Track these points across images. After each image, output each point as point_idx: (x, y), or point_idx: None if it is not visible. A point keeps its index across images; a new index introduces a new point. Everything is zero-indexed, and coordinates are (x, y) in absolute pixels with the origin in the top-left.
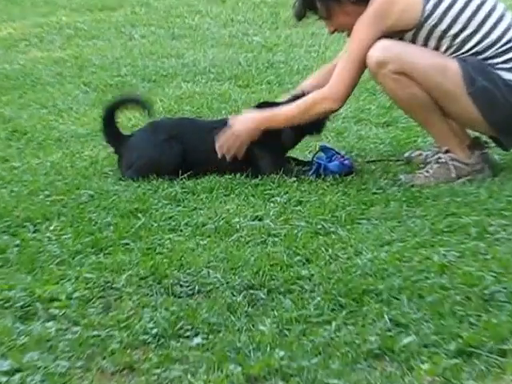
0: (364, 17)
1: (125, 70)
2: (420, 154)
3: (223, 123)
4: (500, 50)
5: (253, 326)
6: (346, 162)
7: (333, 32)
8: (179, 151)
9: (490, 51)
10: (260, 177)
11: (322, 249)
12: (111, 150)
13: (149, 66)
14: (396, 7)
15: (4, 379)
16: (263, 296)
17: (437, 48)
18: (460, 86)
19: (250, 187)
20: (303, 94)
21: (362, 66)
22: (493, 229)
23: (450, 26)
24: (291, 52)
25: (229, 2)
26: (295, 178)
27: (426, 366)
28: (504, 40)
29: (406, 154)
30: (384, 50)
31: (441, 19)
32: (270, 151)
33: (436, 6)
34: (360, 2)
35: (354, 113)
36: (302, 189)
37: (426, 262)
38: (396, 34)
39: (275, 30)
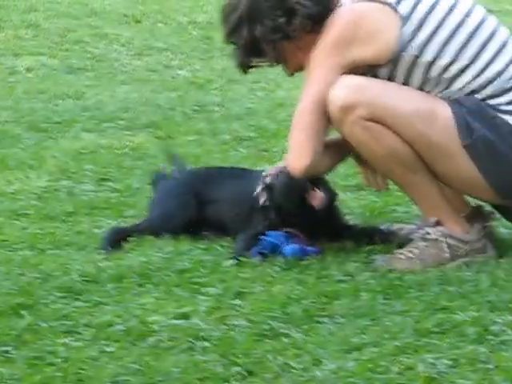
0: (320, 47)
1: (4, 115)
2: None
3: None
4: (504, 86)
5: None
6: (311, 248)
7: (292, 74)
8: None
9: (490, 89)
10: (187, 261)
11: (269, 357)
12: None
13: (37, 109)
14: (364, 30)
15: None
16: None
17: (421, 87)
18: (453, 137)
19: (172, 274)
20: None
21: (326, 115)
22: (497, 328)
23: (436, 57)
24: (229, 90)
25: (145, 22)
26: (233, 262)
27: None
28: (509, 74)
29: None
30: (350, 88)
31: (425, 47)
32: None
33: (419, 29)
34: (316, 29)
35: None
36: (243, 276)
37: (408, 374)
38: (364, 69)
39: (208, 61)
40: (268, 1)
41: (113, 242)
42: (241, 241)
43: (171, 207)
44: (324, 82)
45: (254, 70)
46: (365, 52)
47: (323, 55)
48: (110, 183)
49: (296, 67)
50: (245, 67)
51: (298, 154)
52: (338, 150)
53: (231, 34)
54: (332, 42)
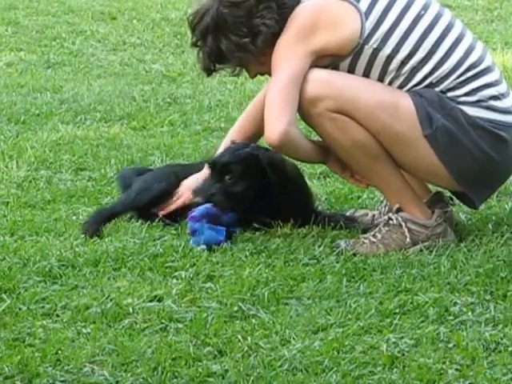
0: (285, 37)
1: None
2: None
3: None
4: (460, 79)
5: None
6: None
7: (254, 76)
8: None
9: (448, 81)
10: (160, 246)
11: (239, 337)
12: None
13: (16, 102)
14: (324, 20)
15: None
16: None
17: (381, 80)
18: (414, 127)
19: (146, 259)
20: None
21: (299, 89)
22: (456, 309)
23: (395, 50)
24: (200, 83)
25: (120, 19)
26: (205, 247)
27: None
28: (464, 66)
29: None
30: (318, 82)
31: (384, 41)
32: None
33: (378, 24)
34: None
35: None
36: (214, 260)
37: (372, 353)
38: (328, 61)
39: (180, 55)
40: (235, 16)
41: (96, 225)
42: None
43: (148, 180)
44: (293, 65)
45: (216, 73)
46: (329, 39)
47: (287, 46)
48: (87, 172)
49: (258, 73)
50: (209, 71)
51: (274, 119)
52: (323, 149)
53: (198, 41)
54: (295, 32)
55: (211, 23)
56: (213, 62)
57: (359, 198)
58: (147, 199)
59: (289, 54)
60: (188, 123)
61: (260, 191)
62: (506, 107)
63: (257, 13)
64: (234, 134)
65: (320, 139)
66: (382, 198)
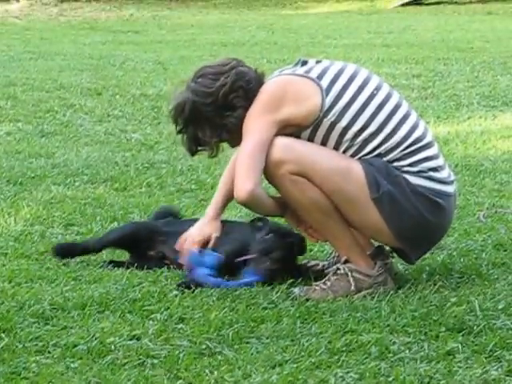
0: (255, 108)
1: None
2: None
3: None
4: (405, 151)
5: None
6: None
7: (236, 146)
8: None
9: (395, 153)
10: (138, 291)
11: (207, 371)
12: None
13: (15, 166)
14: (290, 95)
15: None
16: None
17: (336, 148)
18: (364, 191)
19: (126, 303)
20: None
21: (265, 156)
22: (395, 347)
23: (350, 124)
24: (174, 150)
25: (105, 94)
26: (177, 292)
27: None
28: (409, 141)
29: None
30: (282, 148)
31: (341, 115)
32: None
33: (337, 100)
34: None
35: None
36: (185, 304)
37: None
38: (291, 130)
39: (156, 126)
40: (207, 111)
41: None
42: None
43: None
44: (261, 134)
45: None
46: (294, 112)
47: (256, 116)
48: (75, 227)
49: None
50: (192, 152)
51: (242, 180)
52: (281, 204)
53: (181, 131)
54: (263, 104)
55: (189, 114)
56: (195, 146)
57: (311, 250)
58: (101, 245)
59: (258, 123)
60: (163, 185)
61: None
62: (443, 178)
63: (227, 105)
64: (218, 197)
65: (279, 195)
66: (330, 251)
